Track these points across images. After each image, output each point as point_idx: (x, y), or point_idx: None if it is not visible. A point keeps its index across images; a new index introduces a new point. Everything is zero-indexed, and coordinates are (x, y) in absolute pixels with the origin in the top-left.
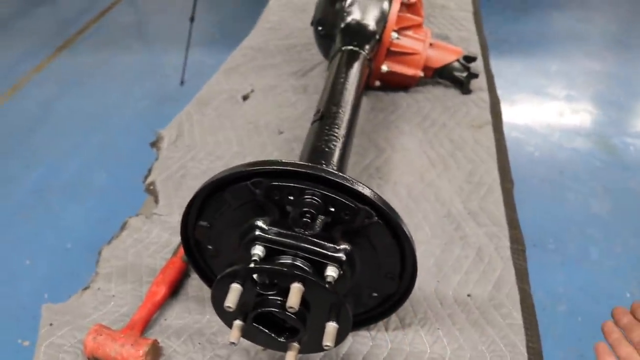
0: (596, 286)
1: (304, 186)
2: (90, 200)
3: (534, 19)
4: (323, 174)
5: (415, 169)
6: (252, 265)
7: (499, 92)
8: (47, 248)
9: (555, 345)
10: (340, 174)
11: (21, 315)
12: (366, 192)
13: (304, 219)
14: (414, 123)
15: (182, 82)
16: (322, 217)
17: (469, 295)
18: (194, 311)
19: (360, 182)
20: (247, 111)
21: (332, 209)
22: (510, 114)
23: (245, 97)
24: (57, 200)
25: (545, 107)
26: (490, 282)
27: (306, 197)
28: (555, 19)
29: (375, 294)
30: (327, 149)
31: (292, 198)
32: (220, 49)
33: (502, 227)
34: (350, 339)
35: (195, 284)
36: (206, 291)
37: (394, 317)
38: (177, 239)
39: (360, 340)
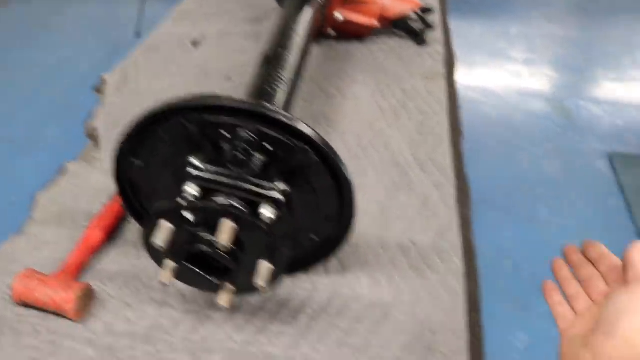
0: (542, 244)
1: (238, 122)
2: (39, 155)
3: None
4: (258, 109)
5: (365, 118)
6: (181, 201)
7: (458, 52)
8: None
9: (499, 297)
10: (276, 109)
11: None
12: (304, 129)
13: (239, 156)
14: (367, 73)
15: (137, 34)
16: (259, 155)
17: (411, 242)
18: (131, 256)
19: (299, 119)
20: (196, 57)
21: (268, 147)
22: (469, 75)
23: (195, 43)
24: (4, 153)
25: (504, 69)
26: (433, 230)
27: (241, 133)
28: None
29: (314, 237)
30: (269, 90)
31: (227, 134)
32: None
33: (449, 177)
34: (289, 283)
35: (135, 229)
36: None
37: (334, 262)
38: None
39: (300, 285)
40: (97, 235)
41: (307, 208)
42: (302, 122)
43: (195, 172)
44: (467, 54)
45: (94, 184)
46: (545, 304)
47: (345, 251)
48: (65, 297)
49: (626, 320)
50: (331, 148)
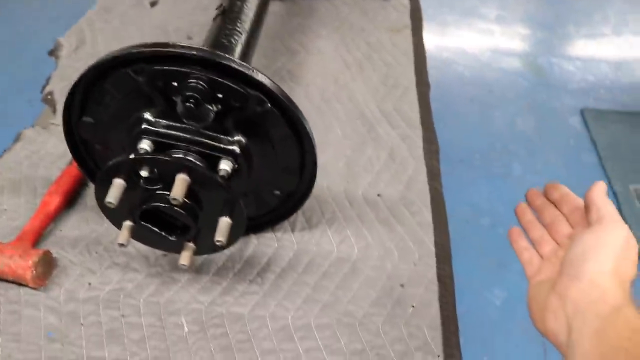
0: (517, 200)
1: (187, 70)
2: (5, 129)
3: None
4: (204, 55)
5: (330, 71)
6: (132, 155)
7: (430, 11)
8: None
9: (476, 254)
10: (226, 55)
11: None
12: (257, 76)
13: (189, 106)
14: (331, 27)
15: None
16: (212, 105)
17: (379, 195)
18: (91, 221)
19: (251, 67)
20: (155, 17)
21: (220, 96)
22: (442, 34)
23: (153, 3)
24: None
25: (476, 28)
26: (401, 182)
27: (190, 81)
28: None
29: (277, 192)
30: (227, 43)
31: (176, 84)
32: None
33: (416, 128)
34: (254, 240)
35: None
36: None
37: (300, 218)
38: None
39: (266, 242)
40: (56, 200)
41: (266, 160)
42: (253, 68)
43: (148, 127)
44: (438, 12)
45: (51, 149)
46: None
47: (311, 206)
48: (23, 264)
49: (590, 262)
50: (286, 95)
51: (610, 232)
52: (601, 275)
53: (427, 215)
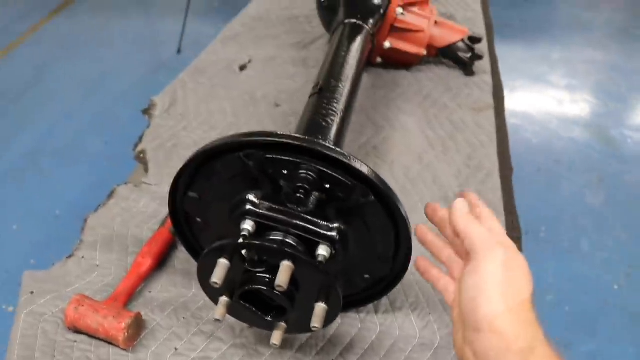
0: (585, 278)
1: (299, 160)
2: (82, 167)
3: (539, 4)
4: (319, 149)
5: (414, 149)
6: (240, 240)
7: None
8: (36, 213)
9: None
10: (338, 149)
11: (6, 280)
12: (363, 169)
13: (298, 195)
14: (415, 102)
15: (179, 51)
16: (317, 193)
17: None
18: (179, 285)
19: (358, 159)
20: (243, 82)
21: (327, 186)
22: (510, 99)
23: (242, 68)
24: (48, 165)
25: (545, 95)
26: None
27: (301, 172)
28: (560, 6)
29: (367, 276)
30: (324, 124)
31: (286, 172)
32: (218, 18)
33: (499, 214)
34: (338, 320)
35: (183, 257)
36: (193, 265)
37: (384, 300)
38: (166, 209)
39: (349, 322)
40: (148, 262)
41: (361, 247)
42: (362, 162)
43: (252, 208)
44: (508, 78)
45: (142, 208)
46: (590, 342)
47: (396, 289)
48: (116, 325)
49: (482, 308)
50: (389, 188)
51: (486, 263)
52: (497, 320)
53: None
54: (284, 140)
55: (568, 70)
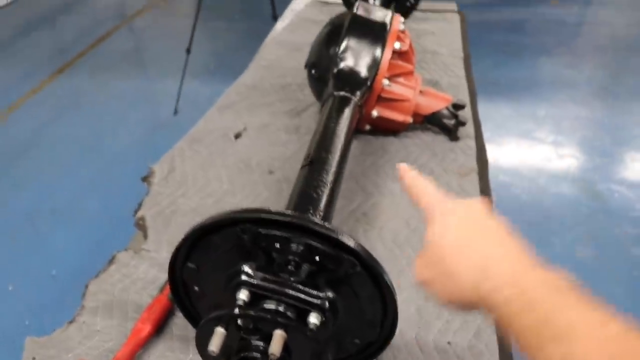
0: None
1: (290, 235)
2: (79, 227)
3: (524, 63)
4: (309, 225)
5: (401, 214)
6: (236, 310)
7: (487, 134)
8: (32, 273)
9: None
10: (327, 225)
11: (0, 341)
12: (350, 243)
13: (289, 267)
14: None
15: (175, 112)
16: (307, 265)
17: (449, 343)
18: (177, 350)
19: (345, 233)
20: (239, 149)
21: (317, 258)
22: (498, 157)
23: (237, 135)
24: (45, 225)
25: (532, 151)
26: (470, 331)
27: (292, 245)
28: (543, 64)
29: (357, 341)
30: (314, 195)
31: (278, 246)
32: (214, 80)
33: None
34: None
35: (180, 323)
36: (190, 331)
37: None
38: (165, 275)
39: None
40: (147, 328)
41: (350, 313)
42: (348, 235)
43: (247, 279)
44: (495, 134)
45: (141, 274)
46: None
47: (385, 352)
48: None
49: (449, 258)
50: (375, 260)
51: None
52: (466, 269)
53: None
54: (276, 217)
55: (554, 127)
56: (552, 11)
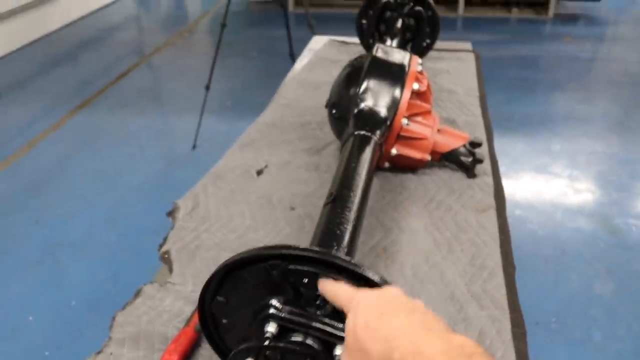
0: None
1: (318, 271)
2: (98, 260)
3: (538, 98)
4: (337, 261)
5: (421, 250)
6: (266, 343)
7: (503, 169)
8: (51, 305)
9: None
10: (353, 261)
11: None
12: (376, 278)
13: (317, 302)
14: (421, 205)
15: (194, 147)
16: None
17: None
18: None
19: (370, 270)
20: (260, 186)
21: None
22: (514, 192)
23: (259, 172)
24: (64, 258)
25: (548, 186)
26: None
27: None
28: (557, 100)
29: None
30: (338, 232)
31: (306, 281)
32: (231, 117)
33: (504, 310)
34: None
35: (206, 354)
36: None
37: None
38: (190, 308)
39: None
40: (174, 359)
41: None
42: (373, 271)
43: (275, 312)
44: (511, 170)
45: (167, 307)
46: None
47: None
48: None
49: (361, 338)
50: None
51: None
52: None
53: None
54: (304, 254)
55: (569, 161)
56: (566, 48)
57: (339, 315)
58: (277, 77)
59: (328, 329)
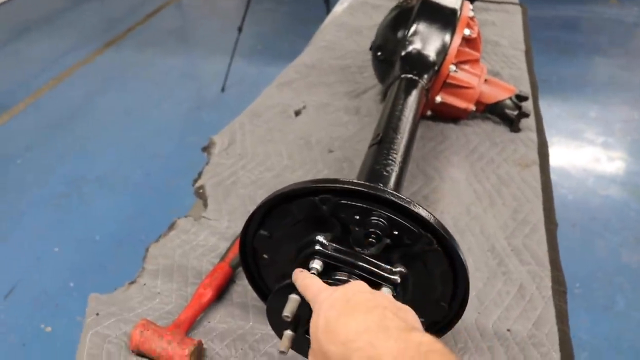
0: (621, 337)
1: (371, 207)
2: (122, 196)
3: (576, 62)
4: (393, 198)
5: (462, 201)
6: None
7: None
8: (76, 238)
9: None
10: (408, 198)
11: (45, 301)
12: (431, 219)
13: (370, 239)
14: (462, 155)
15: (222, 89)
16: (384, 238)
17: (508, 330)
18: (237, 317)
19: (425, 209)
20: (298, 126)
21: (396, 232)
22: None
23: (297, 113)
24: (89, 192)
25: (581, 152)
26: (530, 320)
27: (372, 218)
28: (597, 64)
29: (422, 319)
30: (385, 173)
31: (358, 218)
32: (260, 61)
33: (545, 267)
34: None
35: (240, 290)
36: (250, 298)
37: None
38: (225, 244)
39: None
40: (209, 293)
41: (420, 291)
42: (427, 210)
43: (321, 249)
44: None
45: (202, 242)
46: None
47: (446, 335)
48: (179, 351)
49: (322, 340)
50: (453, 238)
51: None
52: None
53: (556, 358)
54: (359, 188)
55: (605, 129)
56: (610, 10)
57: (387, 255)
58: (309, 24)
59: (375, 269)
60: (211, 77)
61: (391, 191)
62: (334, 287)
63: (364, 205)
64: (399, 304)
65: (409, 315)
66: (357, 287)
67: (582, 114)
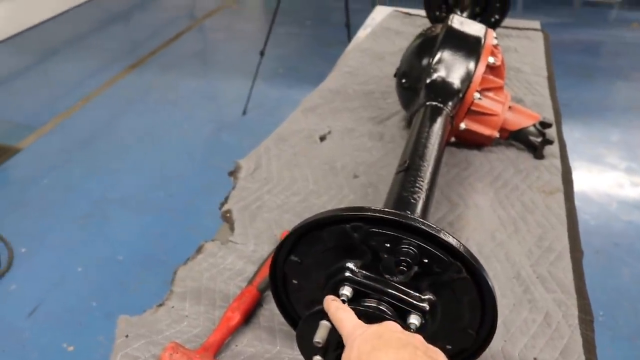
0: None
1: (402, 235)
2: (145, 216)
3: (598, 86)
4: (424, 227)
5: (487, 227)
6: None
7: None
8: (100, 257)
9: None
10: (438, 227)
11: (68, 320)
12: (460, 247)
13: (400, 267)
14: (486, 182)
15: (244, 112)
16: (414, 266)
17: (535, 359)
18: (264, 341)
19: (454, 237)
20: (323, 152)
21: (426, 261)
22: None
23: (322, 138)
24: (113, 213)
25: (603, 177)
26: (557, 349)
27: (403, 246)
28: (619, 88)
29: (449, 347)
30: (412, 200)
31: (388, 245)
32: (282, 84)
33: (571, 296)
34: None
35: (267, 314)
36: (277, 322)
37: None
38: (251, 267)
39: None
40: (237, 317)
41: (448, 318)
42: (456, 239)
43: (351, 276)
44: None
45: (229, 265)
46: None
47: None
48: None
49: None
50: (482, 267)
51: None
52: None
53: None
54: (391, 217)
55: (627, 153)
56: (632, 34)
57: (416, 283)
58: (330, 47)
59: (404, 297)
60: (232, 99)
61: (422, 220)
62: (367, 325)
63: (395, 234)
64: (429, 345)
65: (440, 357)
66: (391, 327)
67: (604, 138)
